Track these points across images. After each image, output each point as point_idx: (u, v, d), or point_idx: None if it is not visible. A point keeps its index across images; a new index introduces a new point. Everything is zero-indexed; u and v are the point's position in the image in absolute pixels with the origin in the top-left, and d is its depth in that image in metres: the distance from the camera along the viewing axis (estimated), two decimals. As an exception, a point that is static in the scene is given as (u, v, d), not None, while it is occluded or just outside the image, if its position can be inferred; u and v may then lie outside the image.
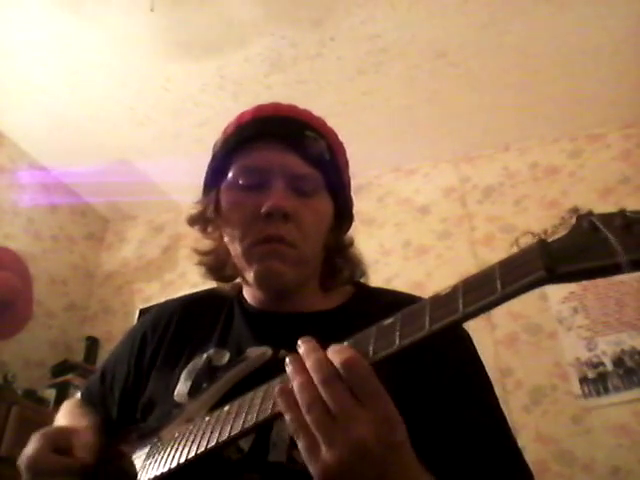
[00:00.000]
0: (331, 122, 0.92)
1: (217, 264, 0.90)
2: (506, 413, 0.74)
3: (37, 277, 3.26)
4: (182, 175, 2.99)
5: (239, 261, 0.84)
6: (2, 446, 2.44)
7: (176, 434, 0.69)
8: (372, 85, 3.01)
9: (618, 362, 2.55)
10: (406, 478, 0.50)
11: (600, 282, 2.61)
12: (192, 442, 0.64)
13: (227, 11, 2.64)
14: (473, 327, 0.66)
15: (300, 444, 0.50)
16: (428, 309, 0.49)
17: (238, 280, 0.91)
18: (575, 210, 0.47)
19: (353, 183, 0.95)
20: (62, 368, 3.20)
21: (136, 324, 1.03)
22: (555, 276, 0.43)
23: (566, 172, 3.12)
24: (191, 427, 0.67)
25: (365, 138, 3.21)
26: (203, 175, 0.91)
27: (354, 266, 0.92)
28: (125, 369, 0.89)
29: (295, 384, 0.51)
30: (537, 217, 3.00)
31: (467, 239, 3.12)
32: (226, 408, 0.64)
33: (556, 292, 2.72)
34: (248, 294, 0.90)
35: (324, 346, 0.56)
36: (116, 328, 3.43)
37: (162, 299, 1.08)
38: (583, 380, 2.56)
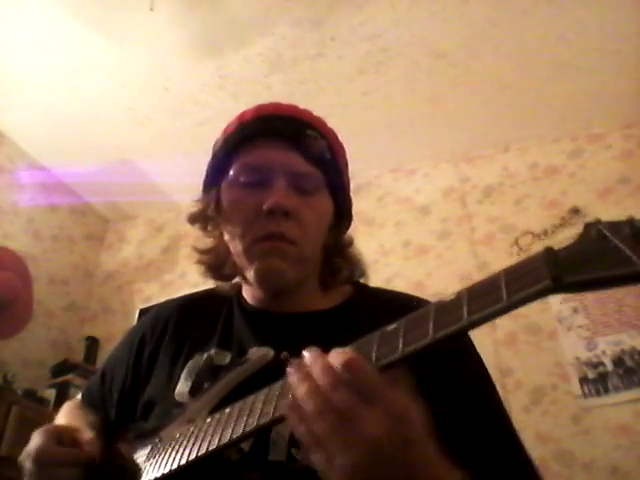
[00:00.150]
0: (331, 122, 0.92)
1: (217, 263, 0.90)
2: (506, 413, 0.74)
3: (37, 277, 3.26)
4: (182, 175, 2.99)
5: (240, 259, 0.84)
6: (2, 446, 2.44)
7: (177, 435, 0.69)
8: (372, 85, 3.01)
9: (618, 362, 2.54)
10: (429, 475, 0.49)
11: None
12: (193, 444, 0.64)
13: (227, 11, 2.64)
14: (473, 327, 0.66)
15: (316, 456, 0.48)
16: (432, 316, 0.49)
17: (237, 280, 0.92)
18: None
19: (353, 183, 0.95)
20: (62, 368, 3.20)
21: (135, 325, 1.03)
22: (562, 286, 0.42)
23: (566, 172, 3.12)
24: (192, 428, 0.67)
25: (365, 138, 3.21)
26: (203, 175, 0.92)
27: (353, 266, 0.92)
28: (123, 371, 0.89)
29: (301, 393, 0.50)
30: (537, 217, 3.00)
31: (467, 239, 3.12)
32: (227, 410, 0.64)
33: (556, 292, 2.72)
34: (247, 293, 0.90)
35: (325, 347, 0.56)
36: (116, 328, 3.43)
37: (162, 299, 1.08)
38: (583, 380, 2.56)
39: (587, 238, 0.44)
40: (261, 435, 0.67)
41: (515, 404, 2.55)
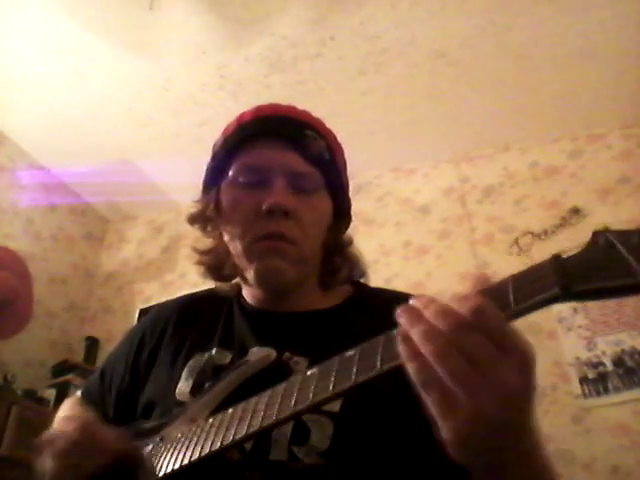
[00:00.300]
0: (331, 122, 0.92)
1: (216, 263, 0.90)
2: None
3: (37, 277, 3.25)
4: (182, 175, 2.99)
5: (239, 259, 0.84)
6: (2, 446, 2.44)
7: (179, 435, 0.69)
8: (372, 85, 3.01)
9: (618, 362, 2.54)
10: (534, 430, 0.49)
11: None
12: (195, 444, 0.64)
13: (227, 11, 2.64)
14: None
15: (430, 398, 0.46)
16: None
17: (237, 280, 0.92)
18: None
19: (353, 183, 0.95)
20: (62, 368, 3.20)
21: (135, 325, 1.03)
22: (570, 294, 0.42)
23: (566, 172, 3.12)
24: (194, 428, 0.67)
25: (365, 138, 3.21)
26: (203, 175, 0.92)
27: (353, 265, 0.92)
28: (122, 370, 0.90)
29: (417, 333, 0.46)
30: (537, 217, 3.00)
31: (467, 239, 3.12)
32: (230, 411, 0.64)
33: (556, 292, 2.72)
34: (247, 294, 0.90)
35: (325, 346, 0.56)
36: (116, 328, 3.43)
37: (162, 299, 1.09)
38: (583, 380, 2.56)
39: (595, 246, 0.44)
40: (262, 435, 0.67)
41: (515, 404, 2.54)
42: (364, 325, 0.55)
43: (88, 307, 3.73)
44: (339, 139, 0.93)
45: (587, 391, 2.54)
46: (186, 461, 0.64)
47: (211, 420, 0.65)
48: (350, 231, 0.95)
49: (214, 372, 0.78)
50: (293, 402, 0.56)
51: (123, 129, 3.29)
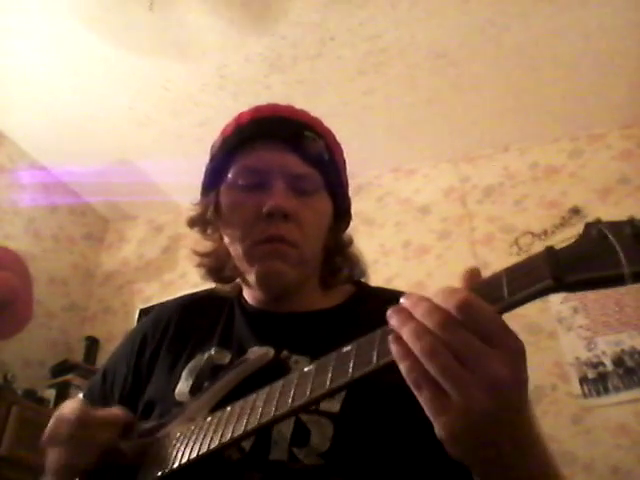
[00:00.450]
0: (331, 122, 0.92)
1: (217, 265, 0.90)
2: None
3: (37, 277, 3.25)
4: (182, 175, 2.99)
5: (240, 262, 0.84)
6: (2, 446, 2.44)
7: (178, 434, 0.69)
8: (372, 85, 3.01)
9: (618, 362, 2.54)
10: (531, 424, 0.49)
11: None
12: (194, 442, 0.64)
13: (227, 11, 2.64)
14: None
15: (422, 396, 0.46)
16: None
17: (238, 281, 0.92)
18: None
19: (353, 183, 0.95)
20: (62, 368, 3.20)
21: (136, 325, 1.03)
22: (563, 285, 0.42)
23: (566, 172, 3.12)
24: (193, 427, 0.67)
25: (365, 138, 3.21)
26: (203, 175, 0.92)
27: (353, 265, 0.92)
28: (124, 370, 0.90)
29: (407, 332, 0.47)
30: (537, 217, 3.00)
31: (467, 239, 3.12)
32: (228, 409, 0.64)
33: (556, 292, 2.72)
34: (248, 294, 0.90)
35: (326, 346, 0.56)
36: (116, 328, 3.43)
37: (162, 299, 1.09)
38: (583, 380, 2.56)
39: (588, 238, 0.44)
40: (262, 434, 0.67)
41: (515, 404, 2.54)
42: (366, 324, 0.54)
43: (88, 307, 3.73)
44: (339, 139, 0.93)
45: (587, 391, 2.54)
46: (185, 460, 0.64)
47: (209, 419, 0.66)
48: (350, 231, 0.95)
49: (213, 372, 0.78)
50: (291, 398, 0.56)
51: (123, 129, 3.29)
